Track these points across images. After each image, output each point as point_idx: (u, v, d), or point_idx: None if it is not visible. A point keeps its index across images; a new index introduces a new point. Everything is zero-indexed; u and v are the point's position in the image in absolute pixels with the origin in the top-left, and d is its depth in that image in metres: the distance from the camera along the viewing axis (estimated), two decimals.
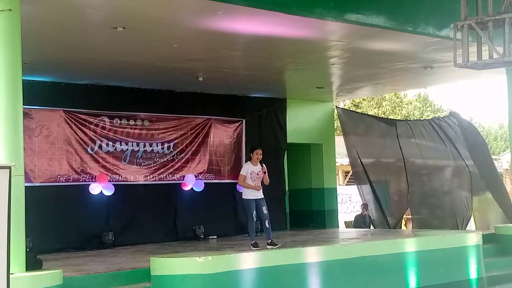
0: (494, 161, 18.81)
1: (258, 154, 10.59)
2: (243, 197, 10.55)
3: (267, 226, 10.40)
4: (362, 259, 10.53)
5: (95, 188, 13.33)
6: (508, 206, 16.33)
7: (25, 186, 7.66)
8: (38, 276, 7.46)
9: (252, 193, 10.42)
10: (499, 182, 17.41)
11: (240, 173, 10.63)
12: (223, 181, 15.28)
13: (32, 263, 7.68)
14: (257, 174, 10.49)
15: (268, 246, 10.17)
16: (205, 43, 10.71)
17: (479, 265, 12.01)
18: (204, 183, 14.86)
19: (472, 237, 12.27)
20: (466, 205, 17.40)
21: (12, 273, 6.87)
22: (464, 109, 59.99)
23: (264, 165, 10.60)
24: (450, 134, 17.49)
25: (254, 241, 10.27)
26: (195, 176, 14.76)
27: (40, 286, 7.37)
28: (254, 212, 10.35)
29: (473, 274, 11.92)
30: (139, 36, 10.11)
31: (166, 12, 9.01)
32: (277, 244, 10.22)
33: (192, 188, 14.70)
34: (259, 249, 10.04)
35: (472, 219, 17.70)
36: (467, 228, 17.42)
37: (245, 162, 11.09)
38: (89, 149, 13.44)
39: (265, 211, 10.40)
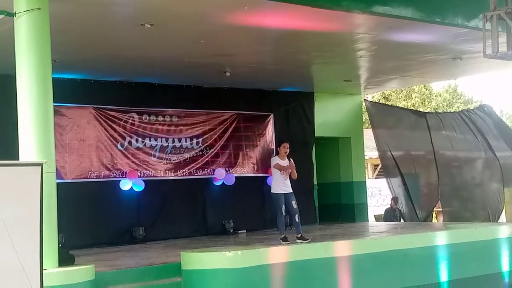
0: None
1: (285, 147, 10.56)
2: (272, 191, 10.52)
3: (297, 220, 10.36)
4: (393, 252, 10.48)
5: (125, 184, 13.44)
6: None
7: (57, 183, 7.76)
8: (71, 271, 7.56)
9: (281, 187, 10.39)
10: None
11: (274, 165, 10.40)
12: (252, 175, 15.29)
13: (65, 259, 7.78)
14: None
15: (297, 241, 10.16)
16: (232, 38, 10.72)
17: (511, 258, 11.88)
18: (234, 177, 14.89)
19: (504, 230, 12.14)
20: (498, 198, 17.22)
21: (45, 269, 6.96)
22: (495, 100, 59.18)
23: (291, 159, 10.57)
24: (481, 126, 17.30)
25: (283, 235, 10.25)
26: (226, 171, 14.80)
27: (72, 282, 7.46)
28: (283, 206, 10.32)
29: (505, 267, 11.80)
30: (166, 32, 10.16)
31: (192, 7, 9.03)
32: (307, 239, 10.18)
33: (222, 182, 14.75)
34: (288, 243, 10.04)
35: (503, 211, 17.50)
36: (499, 220, 17.22)
37: (273, 156, 11.05)
38: (119, 146, 13.55)
39: (295, 206, 10.36)
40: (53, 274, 7.25)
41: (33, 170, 6.17)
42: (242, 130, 15.28)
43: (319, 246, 10.00)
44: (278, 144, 10.78)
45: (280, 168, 10.34)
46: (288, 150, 10.58)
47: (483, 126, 17.40)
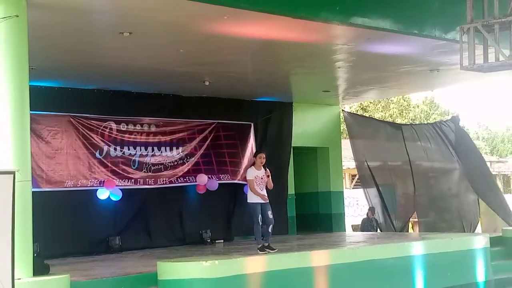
0: (501, 164, 18.72)
1: (261, 158, 10.58)
2: (248, 201, 10.53)
3: (269, 231, 10.37)
4: (369, 262, 10.53)
5: (102, 193, 13.35)
6: (506, 211, 16.23)
7: (33, 191, 7.68)
8: (45, 281, 7.48)
9: (257, 197, 10.41)
10: (494, 189, 17.30)
11: (248, 178, 10.53)
12: (230, 181, 15.22)
13: (40, 268, 7.70)
14: (261, 178, 10.48)
15: (264, 249, 10.13)
16: (211, 47, 10.72)
17: (486, 268, 11.99)
18: (218, 183, 14.82)
19: (479, 240, 12.24)
20: (474, 209, 17.35)
21: (19, 278, 6.90)
22: (471, 112, 59.89)
23: (267, 169, 10.58)
24: (452, 138, 17.49)
25: (260, 245, 10.25)
26: (208, 178, 14.74)
27: None
28: (260, 216, 10.34)
29: (480, 277, 11.90)
30: (145, 41, 10.14)
31: (172, 17, 9.03)
32: (274, 249, 10.16)
33: (199, 191, 14.67)
34: (265, 253, 10.04)
35: (479, 222, 17.64)
36: (476, 231, 17.35)
37: (249, 167, 11.05)
38: (97, 154, 13.45)
39: (270, 216, 10.37)
40: (27, 283, 7.17)
41: (5, 178, 6.10)
42: (222, 139, 15.25)
43: (296, 256, 10.02)
44: (254, 155, 10.84)
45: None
46: (264, 160, 10.60)
47: (454, 138, 17.57)
